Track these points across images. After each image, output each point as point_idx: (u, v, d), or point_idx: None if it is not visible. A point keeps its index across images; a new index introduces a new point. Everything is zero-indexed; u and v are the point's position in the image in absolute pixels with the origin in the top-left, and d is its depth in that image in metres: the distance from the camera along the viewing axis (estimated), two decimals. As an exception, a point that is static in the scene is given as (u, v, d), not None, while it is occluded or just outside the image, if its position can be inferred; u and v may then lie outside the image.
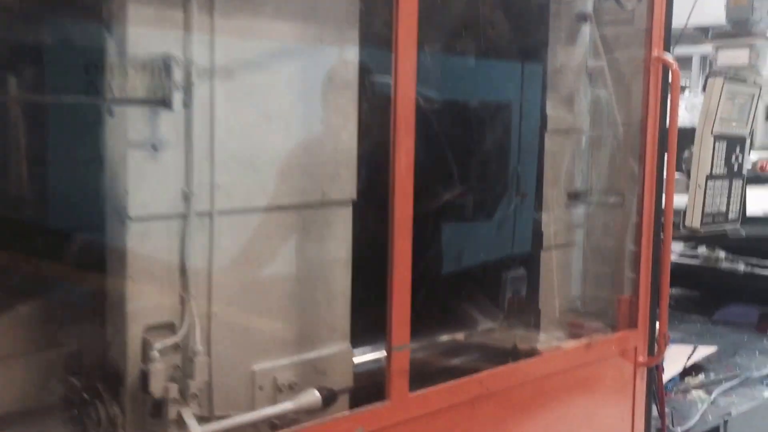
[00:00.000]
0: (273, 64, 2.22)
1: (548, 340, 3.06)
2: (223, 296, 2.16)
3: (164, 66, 1.86)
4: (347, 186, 2.43)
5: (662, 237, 2.89)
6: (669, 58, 2.75)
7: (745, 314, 6.40)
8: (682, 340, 5.91)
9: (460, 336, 3.28)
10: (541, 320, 3.10)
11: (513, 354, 3.08)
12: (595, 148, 3.13)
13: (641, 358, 2.92)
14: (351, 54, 2.39)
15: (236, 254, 2.18)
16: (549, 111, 3.03)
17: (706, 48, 6.81)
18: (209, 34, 2.03)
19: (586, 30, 3.06)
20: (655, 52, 2.77)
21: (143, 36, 1.91)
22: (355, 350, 2.54)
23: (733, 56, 5.59)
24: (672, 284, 7.61)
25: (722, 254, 6.03)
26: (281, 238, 2.30)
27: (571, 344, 2.78)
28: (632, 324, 2.92)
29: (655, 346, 2.99)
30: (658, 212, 2.90)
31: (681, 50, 7.93)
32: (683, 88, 5.98)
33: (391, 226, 2.08)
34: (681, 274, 6.87)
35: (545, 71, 3.02)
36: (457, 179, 3.17)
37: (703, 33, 6.74)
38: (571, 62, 3.05)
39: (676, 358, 5.03)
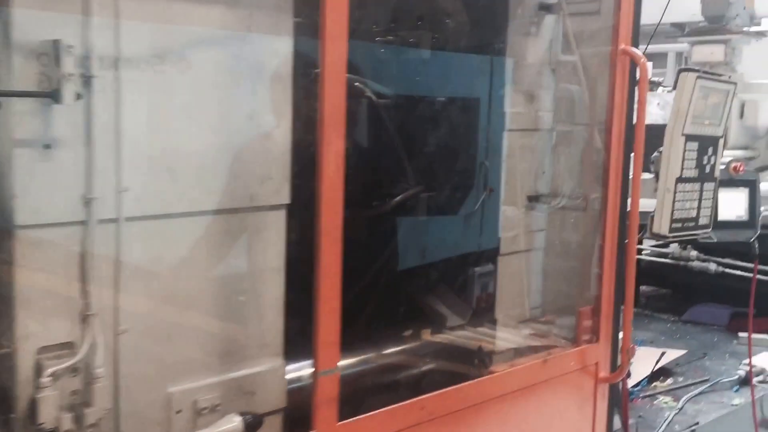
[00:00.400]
0: (193, 54, 1.98)
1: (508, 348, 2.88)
2: (135, 311, 1.93)
3: (53, 53, 1.61)
4: (280, 189, 2.21)
5: (627, 243, 2.69)
6: (636, 50, 2.54)
7: (715, 314, 6.28)
8: (651, 341, 5.77)
9: (426, 336, 3.10)
10: (497, 331, 2.90)
11: (479, 355, 2.90)
12: (558, 147, 2.93)
13: (603, 374, 2.73)
14: (284, 43, 2.16)
15: (149, 265, 1.95)
16: (509, 107, 2.82)
17: (683, 45, 6.68)
18: (113, 17, 1.79)
19: (550, 21, 2.84)
20: (621, 45, 2.56)
21: (32, 19, 1.66)
22: (291, 366, 2.34)
23: (708, 52, 5.43)
24: (642, 282, 7.52)
25: (693, 253, 5.91)
26: (203, 246, 2.07)
27: (526, 361, 2.58)
28: (594, 337, 2.73)
29: (618, 361, 2.80)
30: (623, 216, 2.71)
31: (657, 47, 7.81)
32: (657, 84, 5.81)
33: (317, 236, 1.85)
34: (652, 272, 6.75)
35: (505, 65, 2.81)
36: (409, 174, 2.99)
37: (679, 29, 6.60)
38: (534, 56, 2.84)
39: (644, 361, 4.89)
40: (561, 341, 2.81)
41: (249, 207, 2.16)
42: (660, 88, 5.80)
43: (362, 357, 2.86)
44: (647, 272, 6.92)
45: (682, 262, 6.11)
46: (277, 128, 2.19)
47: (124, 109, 1.84)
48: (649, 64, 7.10)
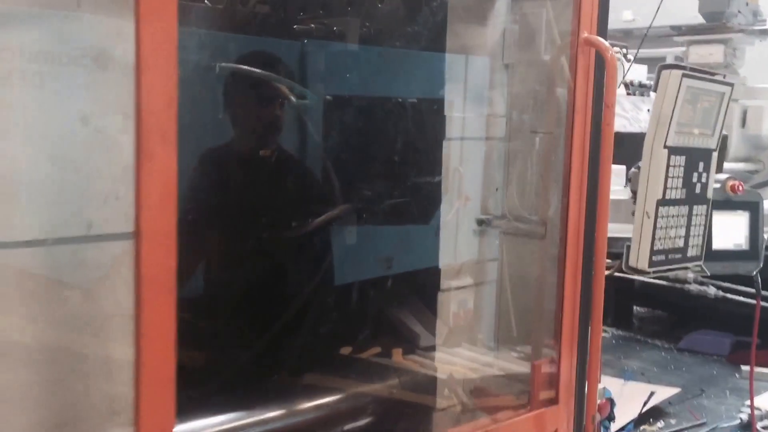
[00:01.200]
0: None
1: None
2: None
3: None
4: (130, 212, 1.68)
5: (593, 279, 2.16)
6: (602, 40, 2.01)
7: (715, 343, 5.76)
8: (642, 372, 5.25)
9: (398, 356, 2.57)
10: (438, 388, 2.37)
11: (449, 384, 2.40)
12: (513, 160, 2.40)
13: (563, 444, 2.19)
14: (130, 25, 1.63)
15: None
16: (450, 112, 2.30)
17: (684, 48, 6.21)
18: None
19: (502, 6, 2.32)
20: (584, 33, 2.04)
21: None
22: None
23: (706, 53, 4.91)
24: (636, 302, 6.98)
25: (691, 275, 5.38)
26: (17, 289, 1.54)
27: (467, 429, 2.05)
28: (552, 399, 2.19)
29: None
30: (589, 245, 2.17)
31: (655, 51, 7.33)
32: (647, 88, 5.28)
33: (137, 285, 1.33)
34: (645, 292, 6.22)
35: (444, 60, 2.28)
36: (336, 188, 2.50)
37: (677, 32, 6.12)
38: (481, 49, 2.31)
39: (632, 400, 4.36)
40: (512, 402, 2.28)
41: (85, 236, 1.64)
42: (651, 93, 5.27)
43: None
44: (641, 292, 6.40)
45: (678, 285, 5.58)
46: (124, 133, 1.66)
47: None
48: (644, 68, 6.53)
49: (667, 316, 6.75)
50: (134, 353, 1.37)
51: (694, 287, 5.41)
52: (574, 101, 2.07)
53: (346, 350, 2.40)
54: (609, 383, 4.39)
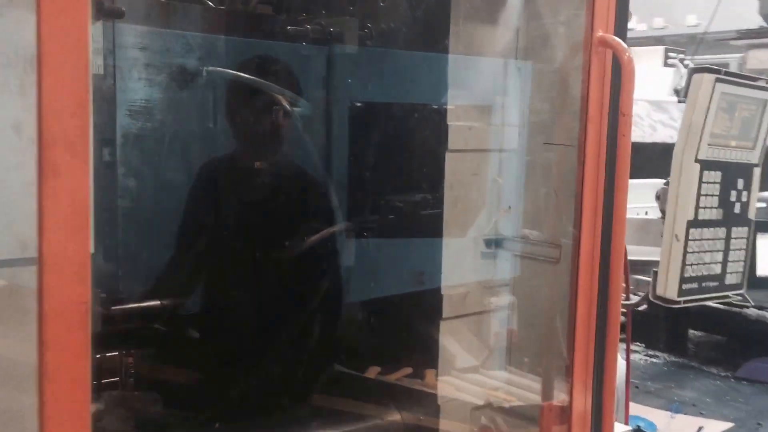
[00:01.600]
0: None
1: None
2: None
3: None
4: (74, 231, 1.53)
5: (608, 307, 1.92)
6: (618, 40, 1.78)
7: (776, 372, 5.34)
8: (693, 404, 4.88)
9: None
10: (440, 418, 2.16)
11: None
12: (526, 175, 2.17)
13: (575, 500, 1.95)
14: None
15: None
16: (453, 121, 2.09)
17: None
18: None
19: (514, 5, 2.10)
20: (598, 32, 1.80)
21: None
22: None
23: (766, 58, 4.56)
24: (691, 326, 6.54)
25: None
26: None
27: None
28: (563, 444, 1.96)
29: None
30: (605, 270, 1.93)
31: (720, 56, 6.94)
32: (676, 92, 4.94)
33: (39, 327, 1.16)
34: (701, 315, 5.84)
35: (446, 63, 2.08)
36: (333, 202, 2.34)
37: (740, 36, 5.77)
38: (489, 51, 2.10)
39: (679, 434, 4.04)
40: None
41: (19, 259, 1.49)
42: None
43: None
44: (696, 315, 6.01)
45: (736, 308, 5.20)
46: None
47: None
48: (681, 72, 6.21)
49: (725, 341, 6.33)
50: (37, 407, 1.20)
51: (752, 312, 5.03)
52: (587, 109, 1.84)
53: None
54: (655, 416, 4.07)
